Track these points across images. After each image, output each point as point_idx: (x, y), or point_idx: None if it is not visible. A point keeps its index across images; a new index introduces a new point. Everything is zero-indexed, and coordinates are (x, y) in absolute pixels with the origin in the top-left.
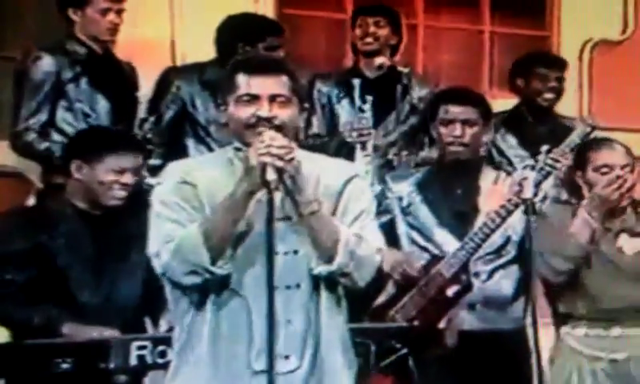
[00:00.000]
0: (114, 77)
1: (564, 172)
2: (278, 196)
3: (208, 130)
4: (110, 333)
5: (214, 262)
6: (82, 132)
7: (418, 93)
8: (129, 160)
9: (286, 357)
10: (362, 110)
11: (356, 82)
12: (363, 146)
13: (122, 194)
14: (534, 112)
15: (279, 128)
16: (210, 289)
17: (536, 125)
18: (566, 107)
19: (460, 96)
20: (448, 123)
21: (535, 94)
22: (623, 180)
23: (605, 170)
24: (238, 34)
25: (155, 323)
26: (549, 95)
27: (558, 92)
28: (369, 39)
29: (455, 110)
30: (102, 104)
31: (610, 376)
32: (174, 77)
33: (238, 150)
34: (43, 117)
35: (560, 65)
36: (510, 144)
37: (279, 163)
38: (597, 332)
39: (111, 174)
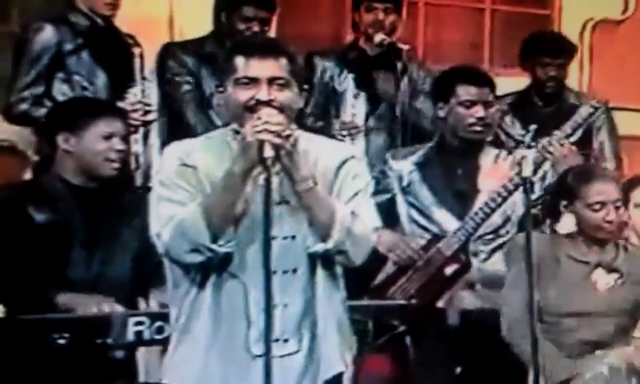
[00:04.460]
0: (115, 51)
1: (545, 199)
2: (275, 180)
3: (210, 101)
4: (107, 304)
5: (214, 240)
6: (61, 104)
7: (418, 74)
8: (114, 125)
9: (285, 340)
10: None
11: (350, 76)
12: (352, 141)
13: (118, 162)
14: (541, 95)
15: (278, 110)
16: (212, 267)
17: (544, 107)
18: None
19: (477, 77)
20: (471, 105)
21: (538, 81)
22: (616, 220)
23: (597, 206)
24: (220, 4)
25: (146, 299)
26: (550, 83)
27: (560, 79)
28: (378, 26)
29: (475, 91)
30: (101, 77)
31: None
32: (176, 51)
33: (236, 132)
34: (39, 89)
35: (564, 51)
36: (515, 127)
37: (276, 140)
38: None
39: (101, 141)
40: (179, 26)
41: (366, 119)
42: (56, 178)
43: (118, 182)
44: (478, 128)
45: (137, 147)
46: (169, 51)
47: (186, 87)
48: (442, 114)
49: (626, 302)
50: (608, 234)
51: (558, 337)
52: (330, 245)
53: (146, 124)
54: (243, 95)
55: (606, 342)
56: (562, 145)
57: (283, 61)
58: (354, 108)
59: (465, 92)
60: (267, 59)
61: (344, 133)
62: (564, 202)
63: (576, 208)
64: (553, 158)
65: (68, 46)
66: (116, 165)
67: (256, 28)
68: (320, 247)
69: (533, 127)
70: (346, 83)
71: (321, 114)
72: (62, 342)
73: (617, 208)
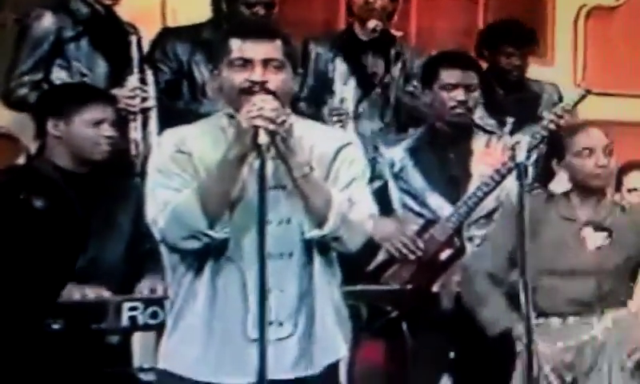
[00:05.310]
0: (115, 39)
1: (535, 161)
2: (270, 165)
3: (204, 89)
4: (104, 292)
5: (211, 226)
6: (50, 90)
7: (412, 60)
8: (103, 111)
9: (280, 324)
10: (342, 98)
11: (338, 61)
12: (342, 127)
13: (107, 147)
14: (503, 83)
15: (272, 93)
16: (209, 253)
17: (506, 95)
18: (561, 73)
19: (461, 60)
20: (452, 88)
21: (501, 69)
22: (606, 167)
23: (586, 152)
24: None
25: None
26: (515, 73)
27: (523, 68)
28: (369, 9)
29: (459, 75)
30: (101, 65)
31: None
32: (169, 38)
33: (230, 117)
34: (38, 75)
35: (527, 41)
36: (479, 114)
37: (271, 126)
38: (549, 321)
39: (89, 127)
40: (172, 13)
41: (357, 104)
42: (48, 164)
43: (114, 168)
44: (460, 111)
45: (136, 134)
46: (159, 38)
47: (168, 75)
48: (427, 99)
49: (614, 263)
50: (602, 181)
51: (543, 295)
52: (325, 231)
53: (145, 111)
54: (238, 77)
55: (592, 302)
56: (560, 117)
57: (278, 43)
58: (343, 93)
59: (447, 75)
60: (262, 41)
61: (334, 118)
62: (555, 160)
63: (567, 161)
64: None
65: (68, 33)
66: (106, 149)
67: (262, 12)
68: (316, 233)
69: (510, 120)
70: (338, 69)
71: (314, 99)
72: (56, 327)
73: (607, 154)
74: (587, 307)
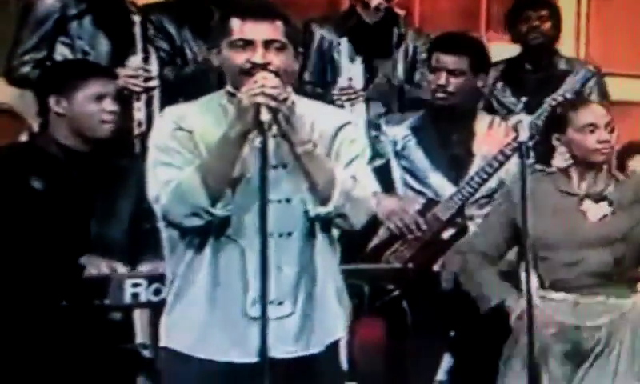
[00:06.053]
0: (118, 17)
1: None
2: (272, 143)
3: (196, 61)
4: (119, 267)
5: (213, 204)
6: (51, 67)
7: (414, 42)
8: (105, 85)
9: (280, 303)
10: (352, 61)
11: (343, 41)
12: (352, 106)
13: (110, 123)
14: (531, 60)
15: (274, 73)
16: (211, 231)
17: (534, 73)
18: (564, 52)
19: (451, 44)
20: (435, 71)
21: (523, 37)
22: (609, 142)
23: (591, 128)
24: None
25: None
26: (534, 35)
27: (544, 31)
28: None
29: (444, 59)
30: (104, 43)
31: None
32: (154, 13)
33: (231, 95)
34: (42, 53)
35: (542, 3)
36: (506, 94)
37: (273, 103)
38: (560, 296)
39: (92, 103)
40: None
41: (365, 86)
42: (51, 141)
43: (116, 147)
44: (440, 95)
45: (139, 114)
46: (147, 14)
47: (167, 48)
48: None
49: (619, 231)
50: (603, 156)
51: (557, 272)
52: (330, 208)
53: (148, 91)
54: (239, 58)
55: (606, 273)
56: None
57: (279, 23)
58: (350, 71)
59: (435, 59)
60: (263, 21)
61: (343, 98)
62: (556, 135)
63: (568, 136)
64: None
65: (71, 11)
66: (109, 126)
67: None
68: (321, 210)
69: (524, 99)
70: (343, 49)
71: (319, 82)
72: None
73: (609, 130)
74: (604, 280)
